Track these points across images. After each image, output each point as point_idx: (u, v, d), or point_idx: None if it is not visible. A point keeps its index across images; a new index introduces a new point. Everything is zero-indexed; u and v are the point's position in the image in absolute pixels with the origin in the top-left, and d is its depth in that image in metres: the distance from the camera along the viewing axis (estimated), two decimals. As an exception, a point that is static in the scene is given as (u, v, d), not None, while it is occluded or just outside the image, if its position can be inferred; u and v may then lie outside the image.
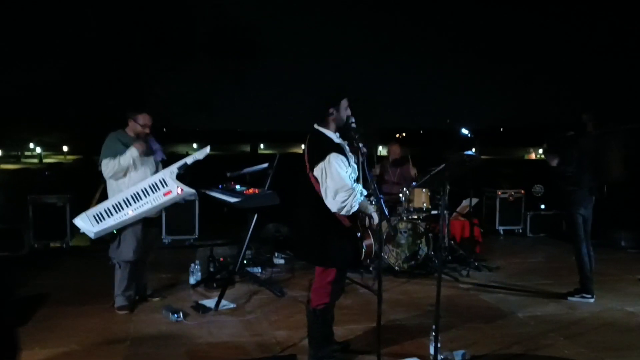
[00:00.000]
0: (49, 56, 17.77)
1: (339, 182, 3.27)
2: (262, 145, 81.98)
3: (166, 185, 4.65)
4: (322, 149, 3.38)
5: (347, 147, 3.53)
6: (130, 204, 4.64)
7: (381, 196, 3.40)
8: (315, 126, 3.53)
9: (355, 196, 3.30)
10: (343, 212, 3.33)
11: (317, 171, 3.37)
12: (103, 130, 5.00)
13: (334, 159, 3.32)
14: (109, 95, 16.77)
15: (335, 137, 3.50)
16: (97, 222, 4.64)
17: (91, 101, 17.30)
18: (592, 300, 5.27)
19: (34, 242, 7.37)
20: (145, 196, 4.65)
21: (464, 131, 4.43)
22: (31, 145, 63.90)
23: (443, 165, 3.70)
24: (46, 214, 7.41)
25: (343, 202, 3.28)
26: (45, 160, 57.98)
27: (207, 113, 23.28)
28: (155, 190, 4.65)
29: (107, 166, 4.63)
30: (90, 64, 17.55)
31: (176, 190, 4.64)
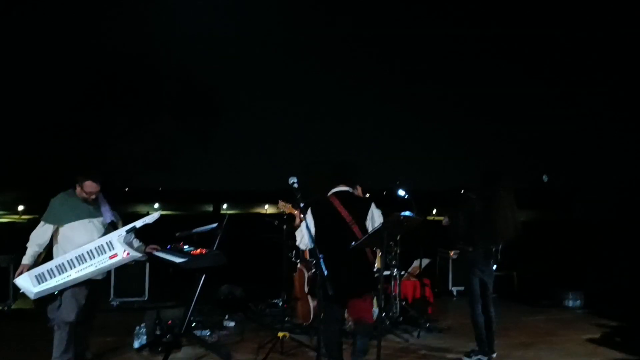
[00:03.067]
0: (3, 113, 17.53)
1: None
2: (225, 205, 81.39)
3: (113, 248, 4.61)
4: (365, 201, 4.49)
5: None
6: (74, 266, 4.55)
7: (321, 255, 3.45)
8: (342, 188, 4.44)
9: None
10: None
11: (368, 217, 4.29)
12: (59, 190, 4.96)
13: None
14: (67, 154, 16.54)
15: None
16: (39, 283, 4.52)
17: (48, 160, 17.01)
18: None
19: (-26, 304, 7.06)
20: (90, 258, 4.58)
21: (401, 192, 4.55)
22: (-16, 205, 61.76)
23: (379, 225, 3.78)
24: (-12, 275, 7.14)
25: None
26: (-1, 220, 56.03)
27: (169, 172, 23.05)
28: (101, 252, 4.60)
29: (38, 232, 4.68)
30: (48, 122, 17.39)
31: (122, 253, 4.60)
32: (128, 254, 4.57)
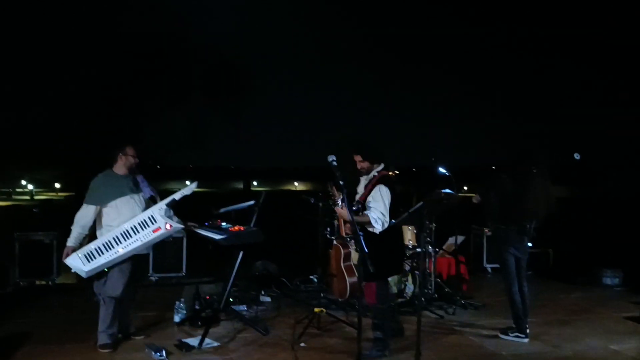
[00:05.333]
0: (41, 92, 17.87)
1: None
2: (255, 183, 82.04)
3: (155, 222, 4.71)
4: None
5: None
6: (120, 242, 4.68)
7: (361, 233, 3.47)
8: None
9: None
10: None
11: None
12: (96, 168, 5.07)
13: None
14: (102, 132, 16.84)
15: None
16: (89, 261, 4.66)
17: (83, 139, 17.37)
18: (526, 340, 5.22)
19: (19, 279, 7.32)
20: (135, 233, 4.70)
21: (442, 169, 4.51)
22: (23, 182, 63.57)
23: (421, 203, 3.77)
24: (33, 251, 7.37)
25: None
26: (37, 197, 57.67)
27: (200, 150, 23.35)
28: (145, 227, 4.71)
29: (81, 214, 4.77)
30: (83, 101, 17.68)
31: (165, 226, 4.70)
32: (171, 226, 4.68)
